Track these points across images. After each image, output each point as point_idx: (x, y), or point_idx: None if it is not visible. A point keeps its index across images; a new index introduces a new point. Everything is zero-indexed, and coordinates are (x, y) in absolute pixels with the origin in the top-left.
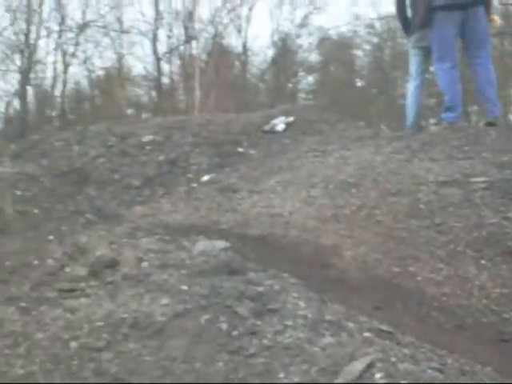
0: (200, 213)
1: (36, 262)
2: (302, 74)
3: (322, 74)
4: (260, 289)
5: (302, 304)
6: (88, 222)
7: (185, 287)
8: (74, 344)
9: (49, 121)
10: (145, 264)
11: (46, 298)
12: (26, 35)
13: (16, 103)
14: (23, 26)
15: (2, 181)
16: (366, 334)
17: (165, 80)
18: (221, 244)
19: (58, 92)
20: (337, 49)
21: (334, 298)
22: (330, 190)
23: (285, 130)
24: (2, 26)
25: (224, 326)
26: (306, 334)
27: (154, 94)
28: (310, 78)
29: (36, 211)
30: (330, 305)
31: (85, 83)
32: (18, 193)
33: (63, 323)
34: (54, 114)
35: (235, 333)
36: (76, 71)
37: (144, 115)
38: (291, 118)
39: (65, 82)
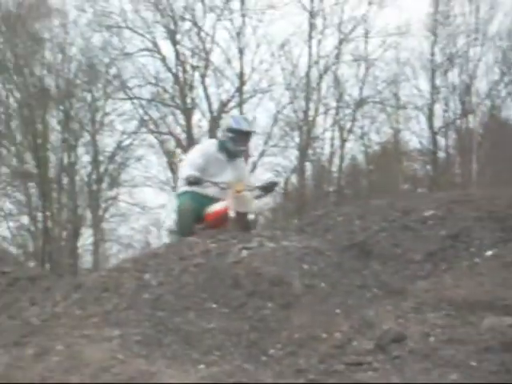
0: (484, 288)
1: (324, 335)
2: None
3: None
4: None
5: None
6: (374, 296)
7: (474, 363)
8: None
9: (326, 196)
10: (432, 339)
11: (333, 370)
12: (305, 112)
13: (294, 179)
14: (302, 103)
15: (289, 255)
16: None
17: (441, 154)
18: (509, 320)
19: (334, 167)
20: None
21: None
22: None
23: None
24: (281, 104)
25: None
26: None
27: (429, 168)
28: None
29: (323, 285)
30: None
31: (361, 158)
32: (305, 267)
33: None
34: (330, 189)
35: None
36: (352, 146)
37: (419, 190)
38: None
39: (342, 158)
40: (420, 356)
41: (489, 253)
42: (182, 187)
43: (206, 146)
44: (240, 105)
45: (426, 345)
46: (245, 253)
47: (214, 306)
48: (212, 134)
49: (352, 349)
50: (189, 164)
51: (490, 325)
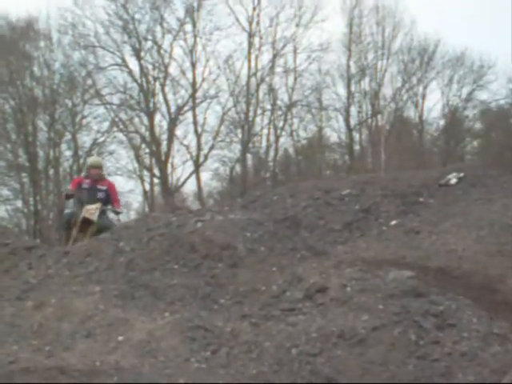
0: (390, 250)
1: (263, 288)
2: (468, 139)
3: (484, 138)
4: (441, 308)
5: (474, 320)
6: (302, 257)
7: (381, 306)
8: (294, 351)
9: (263, 181)
10: (348, 289)
11: (271, 315)
12: (246, 114)
13: (238, 168)
14: (243, 106)
15: (234, 225)
16: None
17: (356, 146)
18: (408, 273)
19: (270, 158)
20: (497, 118)
21: (500, 316)
22: (495, 231)
23: (457, 183)
24: (227, 107)
25: (413, 337)
26: (478, 343)
27: (347, 157)
28: (475, 143)
29: (262, 249)
30: (497, 321)
31: (291, 150)
32: (248, 234)
33: (286, 335)
34: (267, 175)
35: (422, 342)
36: (284, 141)
37: (340, 175)
38: (462, 174)
39: (276, 150)
40: (339, 303)
41: (393, 222)
42: None
43: None
44: (193, 108)
45: (344, 294)
46: (199, 224)
47: (176, 266)
48: (170, 132)
49: (286, 298)
50: None
51: (393, 277)
